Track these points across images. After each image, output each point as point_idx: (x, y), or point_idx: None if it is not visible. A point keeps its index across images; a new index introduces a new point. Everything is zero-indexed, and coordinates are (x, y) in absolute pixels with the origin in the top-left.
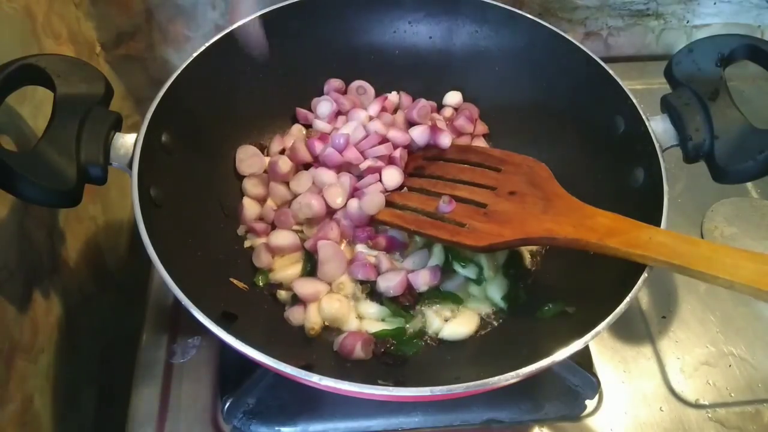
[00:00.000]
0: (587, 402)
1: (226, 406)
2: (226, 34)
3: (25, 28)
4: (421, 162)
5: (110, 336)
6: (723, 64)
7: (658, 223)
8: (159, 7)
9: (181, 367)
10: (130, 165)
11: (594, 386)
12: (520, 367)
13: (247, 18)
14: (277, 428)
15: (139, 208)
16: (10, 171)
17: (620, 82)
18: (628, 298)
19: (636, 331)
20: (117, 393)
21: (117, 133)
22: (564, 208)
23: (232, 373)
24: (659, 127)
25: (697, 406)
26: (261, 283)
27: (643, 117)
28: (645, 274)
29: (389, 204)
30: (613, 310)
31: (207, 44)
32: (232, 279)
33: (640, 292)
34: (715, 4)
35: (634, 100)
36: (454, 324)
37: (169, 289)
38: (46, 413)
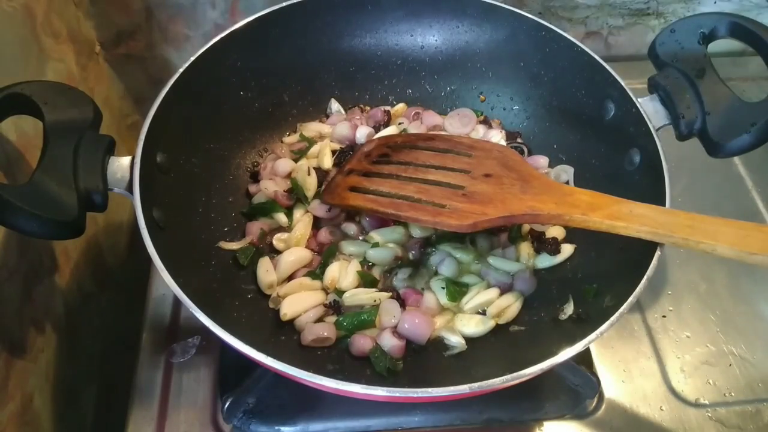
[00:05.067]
0: (587, 401)
1: (226, 406)
2: (218, 46)
3: (24, 27)
4: (385, 149)
5: (110, 336)
6: (705, 41)
7: (662, 202)
8: (159, 6)
9: (181, 367)
10: (128, 189)
11: (594, 386)
12: (524, 368)
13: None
14: (277, 428)
15: (147, 233)
16: (9, 204)
17: (606, 66)
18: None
19: (636, 330)
20: (117, 393)
21: (112, 157)
22: (543, 187)
23: (232, 373)
24: (649, 107)
25: (697, 405)
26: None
27: (633, 98)
28: (658, 252)
29: (358, 189)
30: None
31: (193, 58)
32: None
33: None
34: (715, 2)
35: (622, 82)
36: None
37: (169, 289)
38: (45, 412)
